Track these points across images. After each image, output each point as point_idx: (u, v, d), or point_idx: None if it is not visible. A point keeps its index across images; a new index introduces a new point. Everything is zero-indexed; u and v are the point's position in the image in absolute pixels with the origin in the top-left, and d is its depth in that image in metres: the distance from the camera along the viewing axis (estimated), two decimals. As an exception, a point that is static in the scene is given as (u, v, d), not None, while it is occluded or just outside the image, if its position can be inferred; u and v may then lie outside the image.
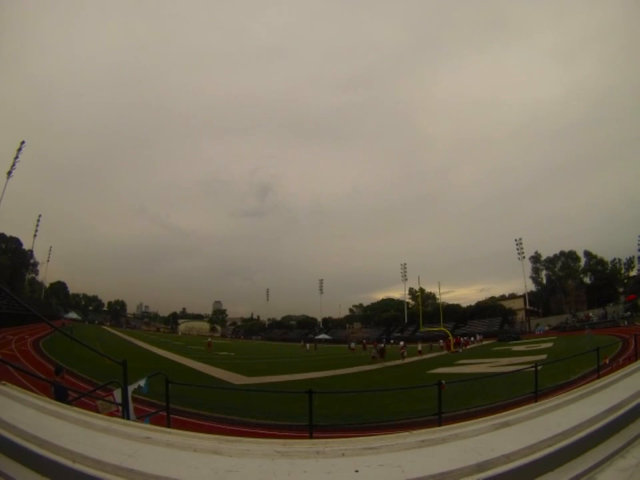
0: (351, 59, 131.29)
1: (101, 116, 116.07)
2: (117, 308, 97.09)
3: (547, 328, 51.95)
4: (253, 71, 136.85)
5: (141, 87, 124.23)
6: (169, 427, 5.21)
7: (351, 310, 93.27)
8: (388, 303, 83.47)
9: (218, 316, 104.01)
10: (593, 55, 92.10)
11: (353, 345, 41.31)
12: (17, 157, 52.18)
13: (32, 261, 71.36)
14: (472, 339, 43.47)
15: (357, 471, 1.16)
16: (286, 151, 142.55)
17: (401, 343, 32.85)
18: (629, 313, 44.03)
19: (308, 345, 46.02)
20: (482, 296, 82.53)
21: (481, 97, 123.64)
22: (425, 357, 28.79)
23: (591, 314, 50.79)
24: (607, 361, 12.67)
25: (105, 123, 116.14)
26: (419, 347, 31.00)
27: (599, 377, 4.93)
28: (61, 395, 5.78)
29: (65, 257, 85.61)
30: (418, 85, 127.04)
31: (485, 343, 43.07)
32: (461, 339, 39.13)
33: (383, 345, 29.27)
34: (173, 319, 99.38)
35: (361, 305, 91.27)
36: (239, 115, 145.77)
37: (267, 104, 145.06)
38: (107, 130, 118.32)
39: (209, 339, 40.97)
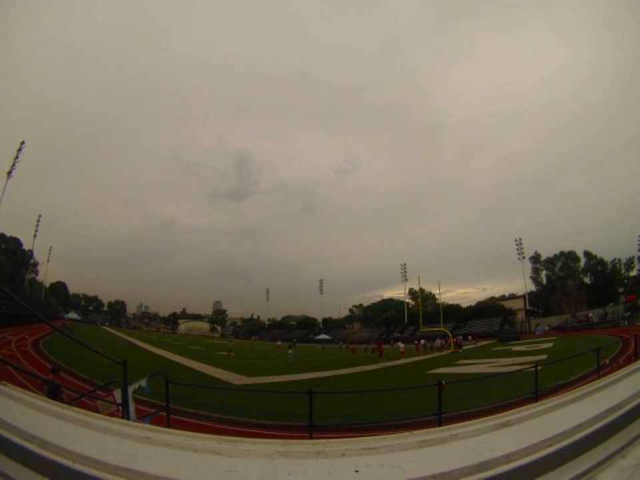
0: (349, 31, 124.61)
1: (67, 96, 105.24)
2: (117, 308, 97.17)
3: (547, 328, 51.88)
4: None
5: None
6: (168, 427, 5.22)
7: (351, 310, 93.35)
8: (388, 303, 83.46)
9: (218, 316, 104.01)
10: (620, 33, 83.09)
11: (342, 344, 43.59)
12: (17, 157, 52.37)
13: (32, 261, 71.49)
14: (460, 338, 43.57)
15: (357, 471, 1.16)
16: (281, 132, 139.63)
17: (398, 343, 33.40)
18: (628, 313, 44.02)
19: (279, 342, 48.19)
20: (483, 295, 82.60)
21: (489, 87, 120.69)
22: (424, 357, 28.79)
23: (590, 314, 50.77)
24: (607, 361, 12.66)
25: (75, 105, 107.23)
26: (438, 343, 35.11)
27: (599, 377, 4.92)
28: (54, 393, 5.90)
29: (65, 256, 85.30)
30: (424, 69, 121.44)
31: (484, 343, 43.02)
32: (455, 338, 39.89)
33: (378, 345, 29.53)
34: (173, 319, 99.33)
35: (361, 305, 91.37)
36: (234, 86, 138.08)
37: (268, 77, 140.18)
38: (80, 113, 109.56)
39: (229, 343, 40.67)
